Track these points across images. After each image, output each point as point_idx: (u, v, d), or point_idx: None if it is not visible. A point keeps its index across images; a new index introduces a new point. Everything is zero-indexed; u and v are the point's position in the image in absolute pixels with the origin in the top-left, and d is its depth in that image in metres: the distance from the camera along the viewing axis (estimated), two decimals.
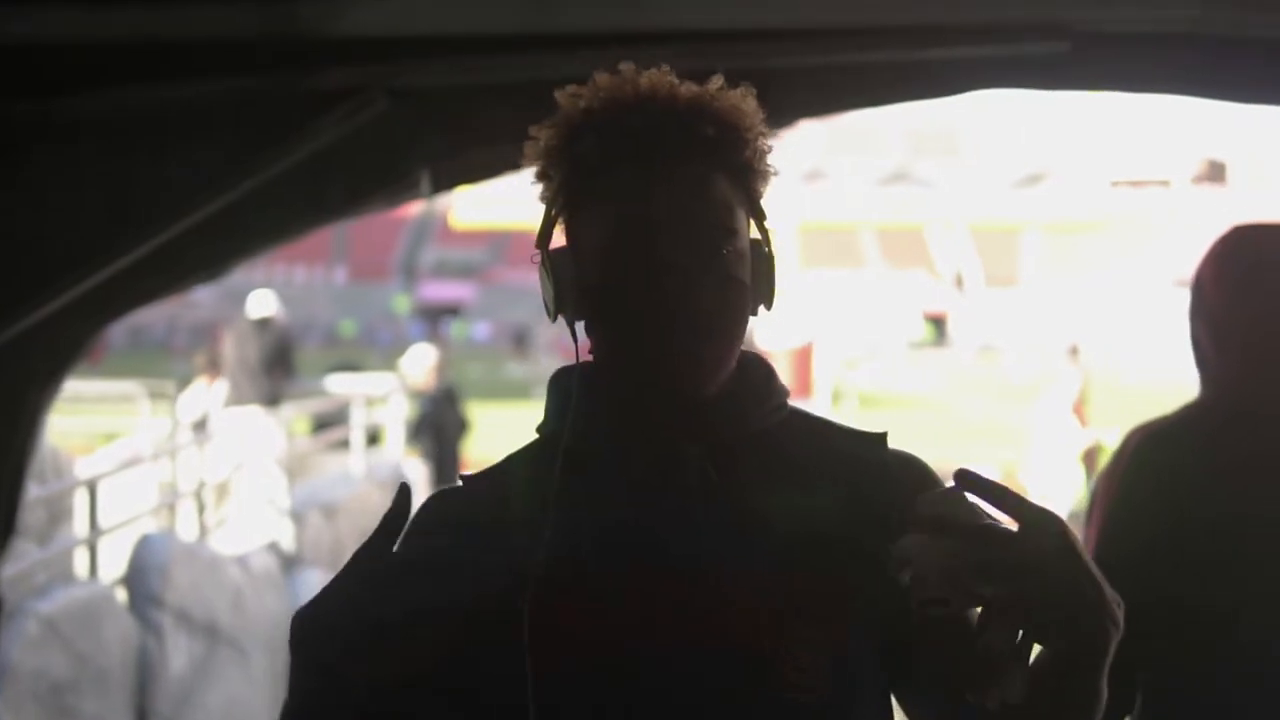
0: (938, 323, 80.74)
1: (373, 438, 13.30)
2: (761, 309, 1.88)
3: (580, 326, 1.87)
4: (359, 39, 3.91)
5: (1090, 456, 14.56)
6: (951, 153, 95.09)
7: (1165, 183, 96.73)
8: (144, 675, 6.88)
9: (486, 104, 4.07)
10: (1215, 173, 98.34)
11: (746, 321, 1.83)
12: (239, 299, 34.80)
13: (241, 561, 8.72)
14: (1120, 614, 1.64)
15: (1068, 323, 68.83)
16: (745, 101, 1.83)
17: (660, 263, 1.76)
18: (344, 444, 12.32)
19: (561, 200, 1.85)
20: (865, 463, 1.90)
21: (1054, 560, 1.60)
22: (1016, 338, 72.25)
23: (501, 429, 23.94)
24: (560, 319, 1.85)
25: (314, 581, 9.54)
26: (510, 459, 1.91)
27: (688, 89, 1.81)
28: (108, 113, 4.02)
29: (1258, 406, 2.81)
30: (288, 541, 9.78)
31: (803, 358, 17.86)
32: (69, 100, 3.98)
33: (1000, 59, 3.84)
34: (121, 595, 7.09)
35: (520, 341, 65.11)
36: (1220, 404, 2.85)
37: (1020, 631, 1.60)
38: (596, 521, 1.80)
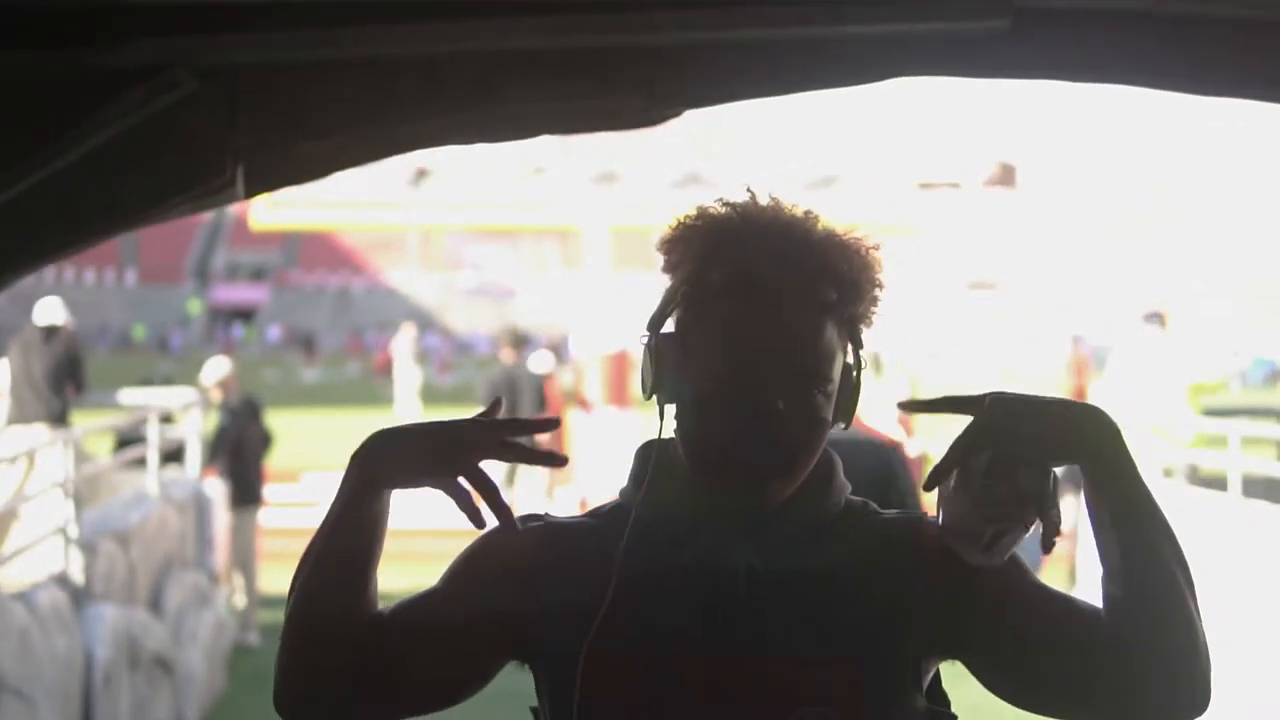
0: None
1: (173, 455, 12.48)
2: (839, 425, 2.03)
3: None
4: (159, 5, 3.23)
5: (916, 467, 14.28)
6: (736, 156, 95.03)
7: (956, 185, 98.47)
8: None
9: (314, 86, 3.39)
10: (1006, 176, 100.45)
11: (820, 450, 2.01)
12: (17, 299, 33.00)
13: (26, 599, 7.98)
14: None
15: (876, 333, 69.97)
16: (872, 257, 2.00)
17: (756, 399, 1.94)
18: (140, 463, 11.50)
19: (681, 296, 2.01)
20: (913, 541, 2.02)
21: (1018, 410, 1.88)
22: None
23: (304, 438, 23.22)
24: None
25: (107, 617, 8.80)
26: (594, 513, 2.11)
27: (822, 234, 1.98)
28: None
29: None
30: (78, 573, 8.97)
31: (619, 364, 17.33)
32: None
33: (931, 37, 3.28)
34: None
35: (308, 346, 64.83)
36: None
37: (1046, 477, 1.86)
38: (651, 590, 1.98)
